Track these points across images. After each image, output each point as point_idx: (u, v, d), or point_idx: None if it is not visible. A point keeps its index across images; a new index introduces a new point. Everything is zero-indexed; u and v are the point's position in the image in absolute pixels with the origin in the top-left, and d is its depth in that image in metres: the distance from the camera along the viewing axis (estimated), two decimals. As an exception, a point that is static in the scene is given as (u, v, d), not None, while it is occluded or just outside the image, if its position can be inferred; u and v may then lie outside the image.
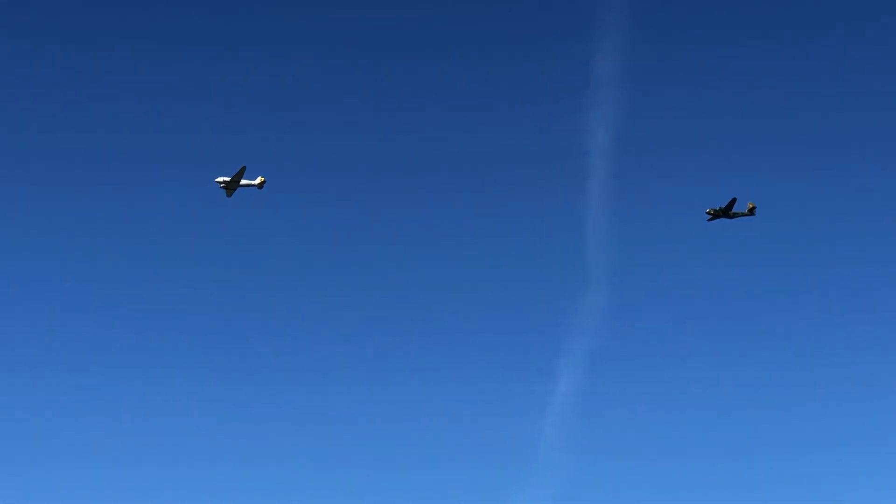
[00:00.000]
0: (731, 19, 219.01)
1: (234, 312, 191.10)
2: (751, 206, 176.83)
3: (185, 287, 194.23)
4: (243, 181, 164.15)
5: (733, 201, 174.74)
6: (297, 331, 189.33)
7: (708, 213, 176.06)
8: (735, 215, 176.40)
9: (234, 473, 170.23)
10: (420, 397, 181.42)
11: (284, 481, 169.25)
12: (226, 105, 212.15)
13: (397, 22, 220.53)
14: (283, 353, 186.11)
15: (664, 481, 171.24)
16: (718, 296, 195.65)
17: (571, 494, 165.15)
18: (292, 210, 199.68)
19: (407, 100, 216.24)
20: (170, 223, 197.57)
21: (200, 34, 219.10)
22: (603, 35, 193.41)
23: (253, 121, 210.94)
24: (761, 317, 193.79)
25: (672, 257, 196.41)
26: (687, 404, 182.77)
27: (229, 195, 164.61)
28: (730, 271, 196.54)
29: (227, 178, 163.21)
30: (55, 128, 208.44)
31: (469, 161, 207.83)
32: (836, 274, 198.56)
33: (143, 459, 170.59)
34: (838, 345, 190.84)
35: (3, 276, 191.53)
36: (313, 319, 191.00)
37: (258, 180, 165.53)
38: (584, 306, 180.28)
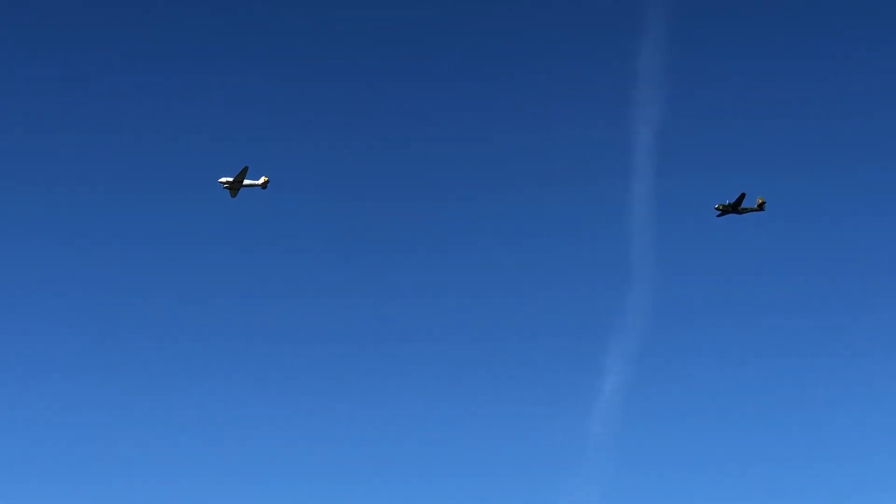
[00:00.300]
0: (775, 17, 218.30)
1: (256, 314, 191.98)
2: (760, 200, 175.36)
3: (192, 288, 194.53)
4: (247, 181, 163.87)
5: (742, 196, 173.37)
6: (334, 334, 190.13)
7: (717, 208, 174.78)
8: (744, 210, 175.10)
9: (253, 480, 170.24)
10: (466, 398, 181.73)
11: (321, 486, 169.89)
12: (243, 106, 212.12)
13: (437, 20, 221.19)
14: (320, 357, 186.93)
15: (710, 480, 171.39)
16: (763, 294, 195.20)
17: (618, 494, 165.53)
18: (326, 214, 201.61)
19: (450, 99, 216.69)
20: (176, 224, 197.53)
21: (202, 34, 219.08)
22: (647, 33, 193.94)
23: (273, 122, 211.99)
24: (808, 316, 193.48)
25: (716, 255, 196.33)
26: (732, 403, 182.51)
27: (233, 195, 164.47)
28: (775, 270, 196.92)
29: (230, 179, 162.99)
30: (55, 130, 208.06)
31: (513, 160, 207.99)
32: (884, 273, 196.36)
33: (143, 464, 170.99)
34: (890, 344, 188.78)
35: (8, 280, 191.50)
36: (354, 322, 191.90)
37: (262, 180, 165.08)
38: (629, 304, 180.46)
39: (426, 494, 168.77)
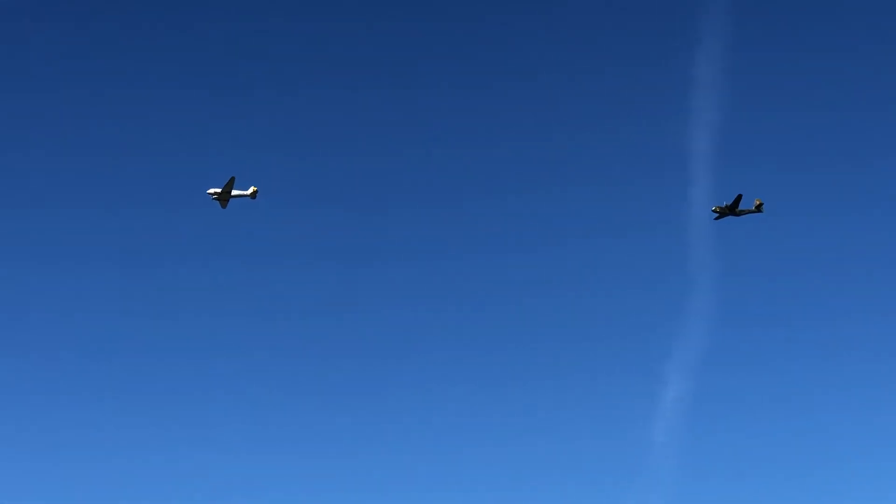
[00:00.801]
0: (833, 19, 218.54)
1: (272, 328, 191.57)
2: (758, 202, 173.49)
3: (191, 298, 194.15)
4: (235, 192, 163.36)
5: (739, 198, 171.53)
6: (389, 343, 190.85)
7: (714, 210, 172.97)
8: (742, 212, 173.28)
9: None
10: (528, 406, 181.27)
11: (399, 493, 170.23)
12: (239, 114, 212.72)
13: (491, 21, 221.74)
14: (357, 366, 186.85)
15: (774, 488, 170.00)
16: (825, 296, 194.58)
17: (682, 501, 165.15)
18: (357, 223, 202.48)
19: (510, 102, 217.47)
20: (170, 235, 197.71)
21: (190, 43, 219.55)
22: (703, 38, 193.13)
23: (286, 131, 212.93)
24: (870, 316, 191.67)
25: (776, 258, 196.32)
26: (796, 407, 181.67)
27: (224, 206, 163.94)
28: (835, 270, 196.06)
29: (219, 190, 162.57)
30: (41, 147, 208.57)
31: (572, 165, 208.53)
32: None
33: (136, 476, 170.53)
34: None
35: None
36: (412, 329, 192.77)
37: (250, 190, 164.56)
38: (690, 310, 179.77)
39: (489, 502, 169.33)
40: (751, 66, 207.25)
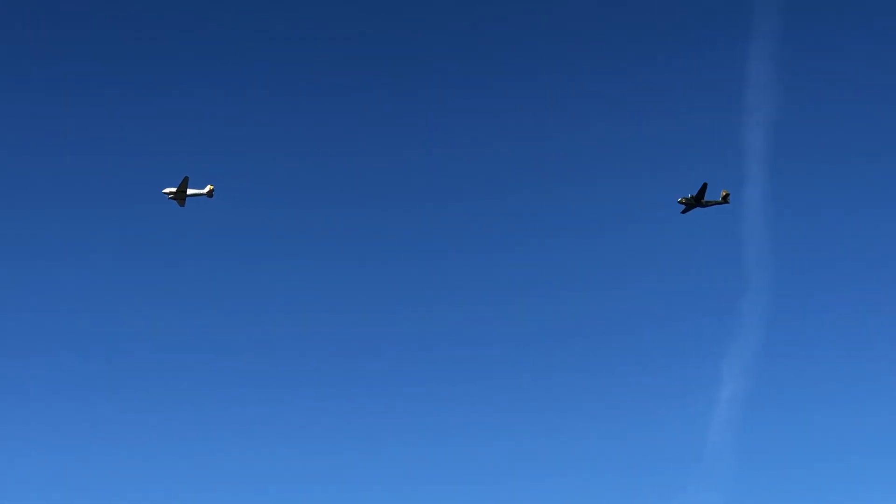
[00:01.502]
0: (887, 13, 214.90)
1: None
2: (724, 193, 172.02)
3: (190, 299, 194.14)
4: (191, 190, 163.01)
5: (704, 187, 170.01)
6: (455, 334, 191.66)
7: (680, 202, 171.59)
8: (708, 203, 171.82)
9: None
10: (585, 402, 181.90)
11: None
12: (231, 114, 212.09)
13: (555, 16, 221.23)
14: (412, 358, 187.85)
15: (830, 483, 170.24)
16: (881, 291, 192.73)
17: (738, 498, 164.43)
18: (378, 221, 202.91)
19: (565, 97, 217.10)
20: (129, 236, 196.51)
21: (188, 42, 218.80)
22: (756, 34, 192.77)
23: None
24: None
25: (831, 257, 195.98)
26: (852, 405, 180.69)
27: (181, 205, 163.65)
28: (892, 265, 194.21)
29: (174, 189, 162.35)
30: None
31: (627, 160, 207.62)
32: None
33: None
34: None
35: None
36: (463, 323, 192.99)
37: (206, 189, 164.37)
38: (745, 308, 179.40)
39: (547, 497, 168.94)
40: (804, 61, 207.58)
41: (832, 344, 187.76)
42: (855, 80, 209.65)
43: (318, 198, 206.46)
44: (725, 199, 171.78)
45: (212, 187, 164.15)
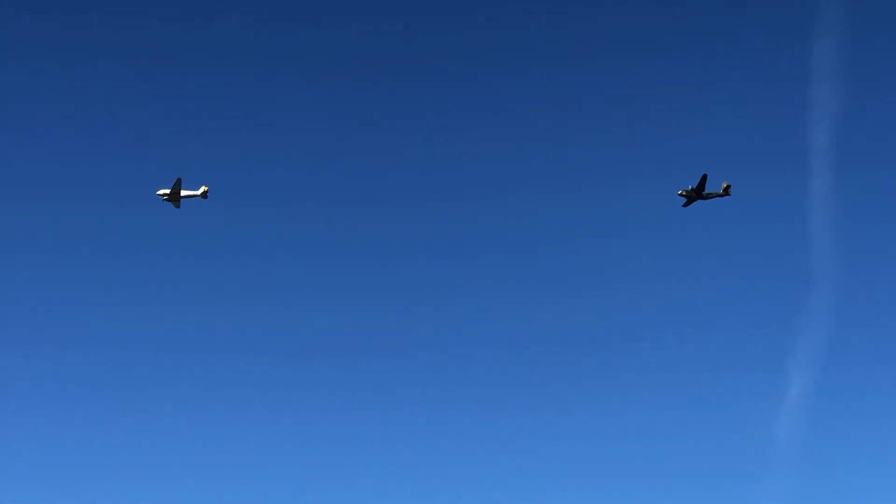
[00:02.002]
0: None
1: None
2: (725, 185, 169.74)
3: (185, 298, 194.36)
4: (185, 192, 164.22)
5: (704, 178, 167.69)
6: (484, 335, 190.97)
7: (680, 194, 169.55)
8: (709, 196, 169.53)
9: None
10: (649, 403, 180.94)
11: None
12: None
13: (618, 16, 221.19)
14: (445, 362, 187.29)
15: None
16: None
17: (805, 499, 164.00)
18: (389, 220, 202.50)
19: (625, 93, 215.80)
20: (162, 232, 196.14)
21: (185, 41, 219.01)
22: (820, 30, 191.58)
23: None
24: None
25: None
26: None
27: (177, 206, 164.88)
28: None
29: (167, 191, 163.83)
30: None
31: (690, 157, 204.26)
32: None
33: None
34: None
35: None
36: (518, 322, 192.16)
37: (201, 190, 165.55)
38: (811, 306, 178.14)
39: (612, 501, 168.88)
40: (868, 57, 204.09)
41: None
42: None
43: (316, 198, 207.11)
44: (727, 192, 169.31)
45: (206, 188, 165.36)
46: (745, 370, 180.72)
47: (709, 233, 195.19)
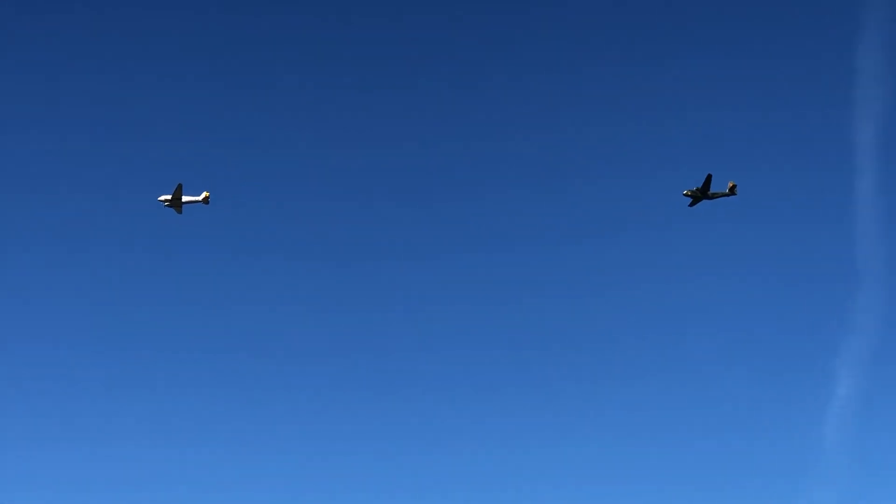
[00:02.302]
0: None
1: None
2: (731, 185, 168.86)
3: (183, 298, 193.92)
4: (187, 197, 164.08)
5: (709, 178, 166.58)
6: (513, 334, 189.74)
7: (686, 194, 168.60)
8: (715, 196, 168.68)
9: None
10: (698, 402, 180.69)
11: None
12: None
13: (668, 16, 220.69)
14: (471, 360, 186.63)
15: None
16: None
17: (856, 497, 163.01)
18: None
19: (672, 88, 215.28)
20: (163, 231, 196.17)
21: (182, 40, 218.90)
22: (865, 29, 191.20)
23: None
24: None
25: None
26: None
27: (179, 212, 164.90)
28: None
29: (169, 197, 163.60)
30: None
31: (737, 153, 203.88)
32: None
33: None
34: None
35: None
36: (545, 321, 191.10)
37: (202, 196, 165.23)
38: (858, 305, 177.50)
39: (659, 500, 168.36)
40: None
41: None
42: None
43: (316, 197, 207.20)
44: (732, 191, 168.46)
45: (207, 194, 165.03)
46: (792, 371, 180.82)
47: (755, 232, 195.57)
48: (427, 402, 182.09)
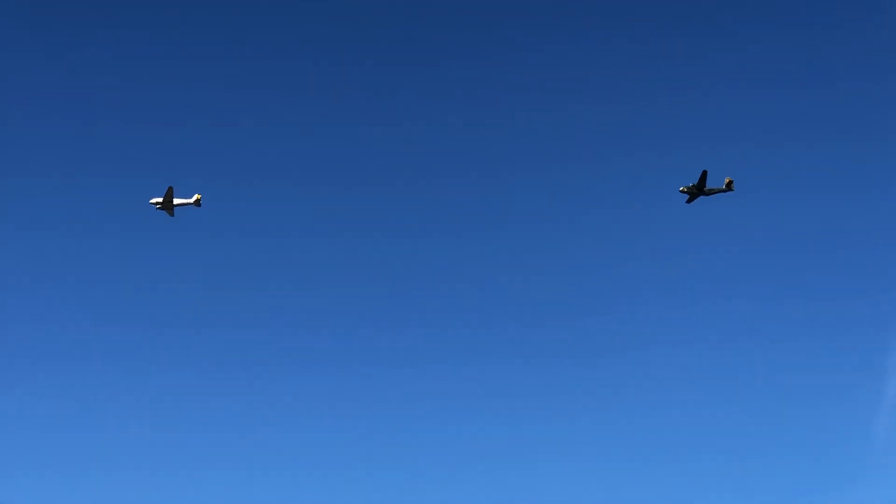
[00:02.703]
0: None
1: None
2: (728, 180, 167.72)
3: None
4: (178, 200, 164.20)
5: (704, 174, 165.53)
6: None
7: (682, 191, 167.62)
8: (712, 191, 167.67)
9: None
10: (746, 400, 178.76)
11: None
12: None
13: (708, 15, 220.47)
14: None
15: None
16: None
17: None
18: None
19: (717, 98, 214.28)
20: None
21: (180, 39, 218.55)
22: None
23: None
24: None
25: None
26: None
27: (171, 214, 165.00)
28: None
29: (160, 200, 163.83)
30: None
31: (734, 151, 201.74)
32: None
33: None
34: None
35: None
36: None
37: (194, 198, 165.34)
38: None
39: (709, 489, 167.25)
40: None
41: None
42: None
43: (310, 200, 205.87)
44: (729, 187, 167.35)
45: (199, 196, 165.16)
46: (843, 369, 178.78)
47: (805, 230, 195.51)
48: (420, 385, 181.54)
